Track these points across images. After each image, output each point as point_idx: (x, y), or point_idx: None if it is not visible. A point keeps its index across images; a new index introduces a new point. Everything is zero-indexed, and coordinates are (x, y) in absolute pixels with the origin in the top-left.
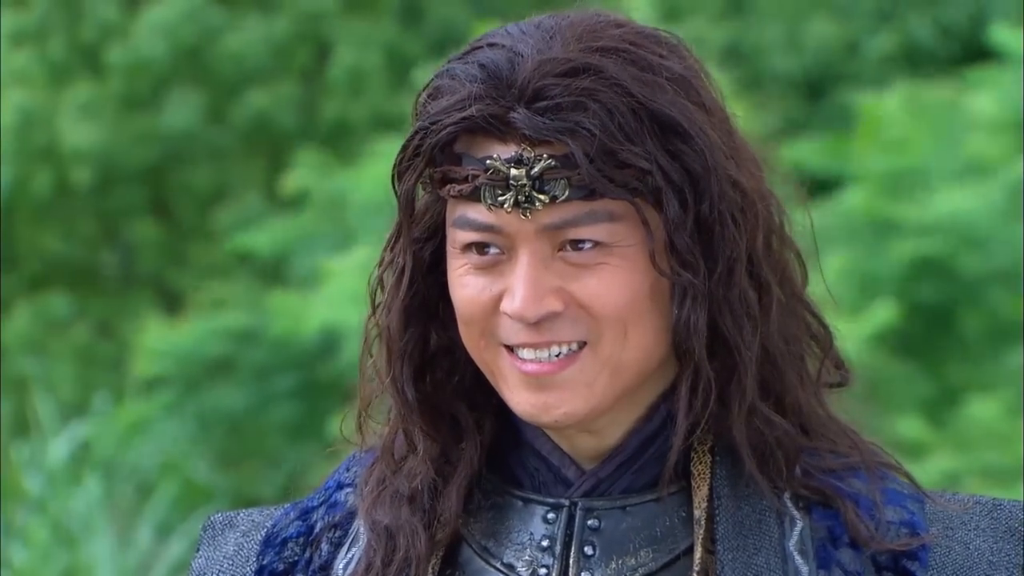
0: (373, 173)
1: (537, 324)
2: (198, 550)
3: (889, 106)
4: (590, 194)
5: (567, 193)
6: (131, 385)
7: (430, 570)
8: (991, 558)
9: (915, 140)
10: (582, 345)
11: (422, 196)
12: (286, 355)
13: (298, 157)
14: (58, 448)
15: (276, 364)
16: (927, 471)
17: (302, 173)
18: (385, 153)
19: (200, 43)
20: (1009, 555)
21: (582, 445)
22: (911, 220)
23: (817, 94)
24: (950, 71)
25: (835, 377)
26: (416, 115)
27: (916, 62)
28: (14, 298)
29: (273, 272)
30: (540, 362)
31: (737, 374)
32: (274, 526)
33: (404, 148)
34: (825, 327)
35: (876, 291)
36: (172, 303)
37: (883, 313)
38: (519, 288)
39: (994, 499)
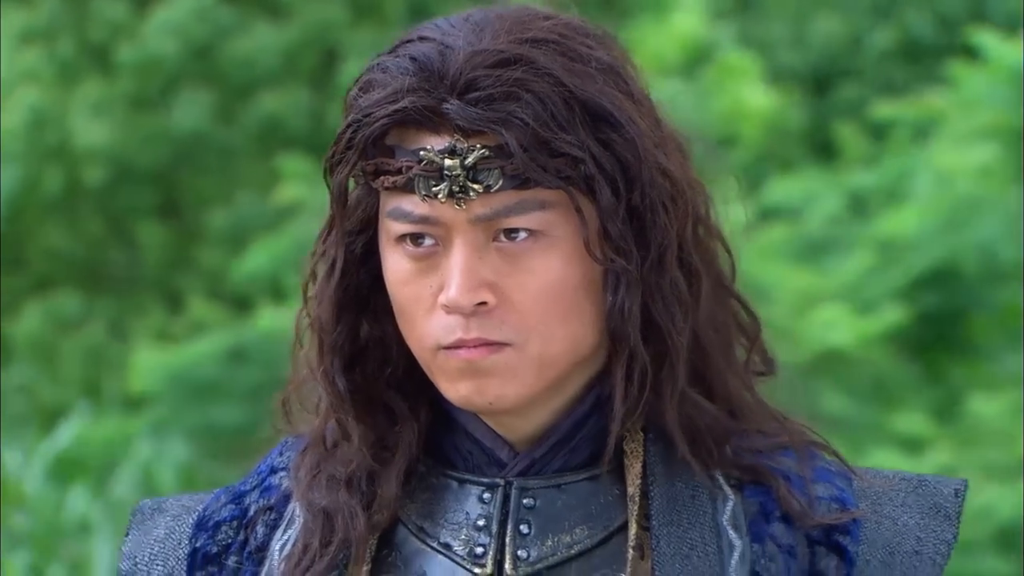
0: None
1: (469, 319)
2: (127, 534)
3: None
4: (524, 183)
5: (501, 183)
6: (125, 397)
7: (367, 551)
8: (919, 534)
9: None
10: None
11: (354, 189)
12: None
13: (287, 166)
14: (49, 449)
15: (270, 382)
16: (928, 467)
17: (294, 182)
18: None
19: (210, 43)
20: (936, 531)
21: (515, 427)
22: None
23: (823, 90)
24: (948, 66)
25: (761, 366)
26: (347, 109)
27: (917, 57)
28: (22, 298)
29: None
30: (470, 348)
31: (668, 360)
32: (205, 510)
33: (336, 142)
34: (753, 316)
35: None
36: (178, 305)
37: (893, 314)
38: (454, 277)
39: (919, 475)
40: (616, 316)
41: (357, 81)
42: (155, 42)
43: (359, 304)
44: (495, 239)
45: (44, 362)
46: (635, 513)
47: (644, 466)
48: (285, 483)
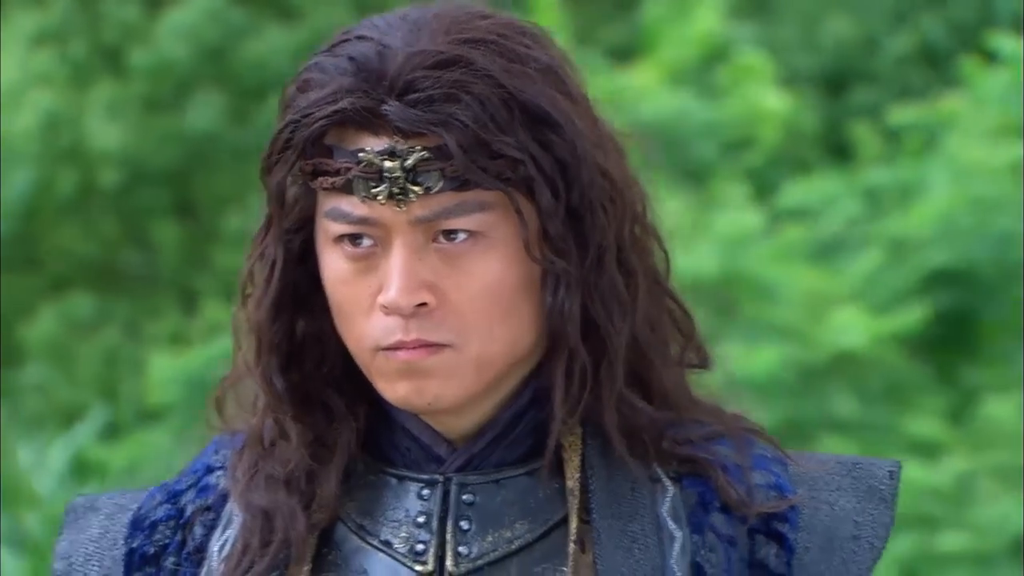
0: None
1: (408, 321)
2: (61, 533)
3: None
4: (463, 185)
5: (441, 184)
6: (141, 408)
7: (307, 551)
8: (856, 518)
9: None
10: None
11: (291, 188)
12: None
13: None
14: (60, 452)
15: None
16: (943, 472)
17: None
18: None
19: (222, 44)
20: (873, 515)
21: (453, 424)
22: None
23: (837, 92)
24: (962, 67)
25: (696, 360)
26: (284, 107)
27: (932, 62)
28: (38, 300)
29: None
30: (410, 349)
31: (607, 359)
32: (140, 509)
33: (273, 141)
34: (686, 313)
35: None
36: (193, 306)
37: (909, 315)
38: (394, 278)
39: (853, 458)
40: (556, 316)
41: (294, 79)
42: (167, 44)
43: (297, 303)
44: (434, 240)
45: (59, 363)
46: (575, 507)
47: (583, 460)
48: (222, 483)
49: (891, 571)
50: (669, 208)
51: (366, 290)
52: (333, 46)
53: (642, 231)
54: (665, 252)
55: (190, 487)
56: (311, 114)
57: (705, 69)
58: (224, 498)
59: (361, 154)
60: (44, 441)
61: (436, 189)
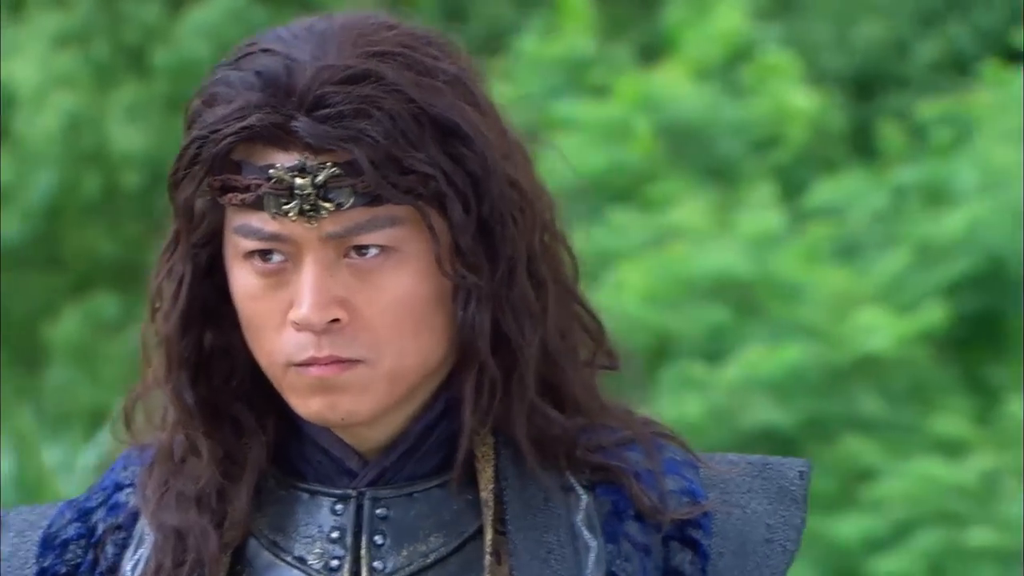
0: None
1: (321, 337)
2: None
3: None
4: (375, 200)
5: (352, 200)
6: None
7: (220, 569)
8: (768, 520)
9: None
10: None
11: (199, 202)
12: None
13: None
14: (88, 454)
15: None
16: (968, 471)
17: None
18: None
19: None
20: (784, 516)
21: (364, 437)
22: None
23: (865, 94)
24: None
25: (606, 362)
26: (189, 122)
27: (960, 66)
28: (61, 301)
29: None
30: (322, 365)
31: (518, 371)
32: (50, 527)
33: (180, 157)
34: (595, 317)
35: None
36: None
37: (934, 316)
38: (306, 295)
39: (764, 458)
40: (467, 330)
41: (199, 93)
42: (189, 44)
43: (205, 316)
44: (346, 255)
45: (83, 364)
46: (490, 518)
47: (496, 470)
48: (132, 500)
49: (919, 567)
50: (695, 207)
51: (277, 306)
52: (238, 59)
53: (551, 238)
54: (573, 257)
55: (100, 505)
56: (219, 130)
57: (730, 68)
58: (135, 516)
59: (271, 170)
60: (69, 442)
61: (347, 205)
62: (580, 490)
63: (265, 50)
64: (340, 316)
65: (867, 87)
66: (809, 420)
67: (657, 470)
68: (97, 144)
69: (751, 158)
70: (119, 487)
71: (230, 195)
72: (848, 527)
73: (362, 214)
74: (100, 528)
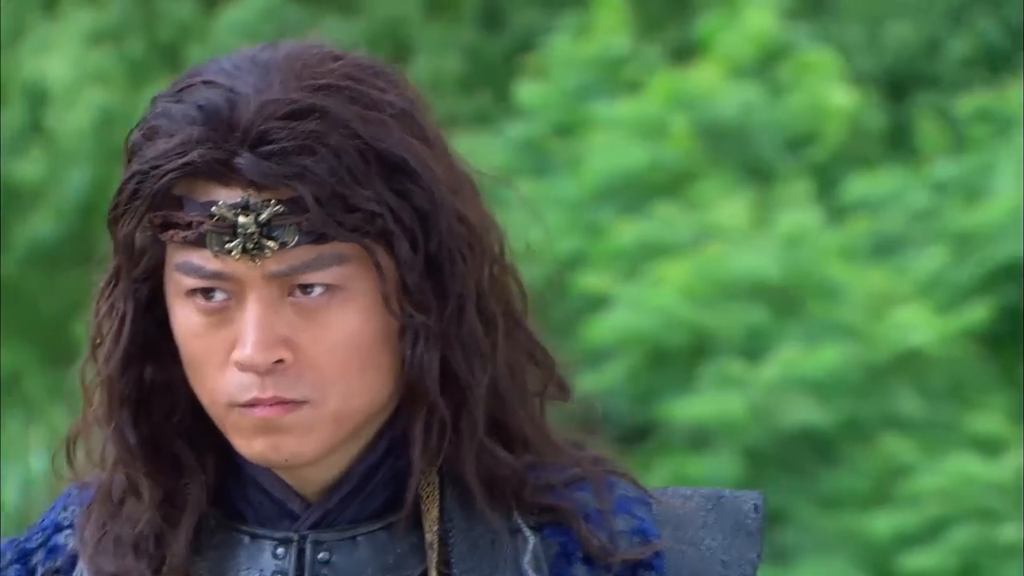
0: None
1: (264, 378)
2: None
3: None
4: (320, 238)
5: (296, 238)
6: None
7: None
8: (723, 557)
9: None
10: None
11: (140, 237)
12: None
13: None
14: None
15: None
16: (1005, 469)
17: None
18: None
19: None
20: (741, 551)
21: (307, 478)
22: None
23: (899, 93)
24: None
25: (557, 394)
26: (129, 155)
27: (993, 62)
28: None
29: None
30: (266, 407)
31: (467, 410)
32: None
33: (119, 192)
34: (545, 350)
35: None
36: None
37: (974, 313)
38: (249, 335)
39: (717, 491)
40: (415, 370)
41: (139, 125)
42: (224, 42)
43: (146, 352)
44: (290, 294)
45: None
46: (435, 560)
47: (441, 511)
48: (71, 543)
49: (951, 563)
50: (734, 206)
51: (220, 344)
52: (180, 91)
53: (501, 271)
54: (523, 289)
55: (40, 546)
56: (159, 166)
57: (764, 68)
58: (74, 559)
59: (213, 208)
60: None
61: (292, 243)
62: (527, 531)
63: (207, 82)
64: (284, 356)
65: (899, 86)
66: (847, 419)
67: (607, 509)
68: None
69: (788, 157)
70: (59, 528)
71: (171, 232)
72: (883, 523)
73: (307, 252)
74: (39, 571)
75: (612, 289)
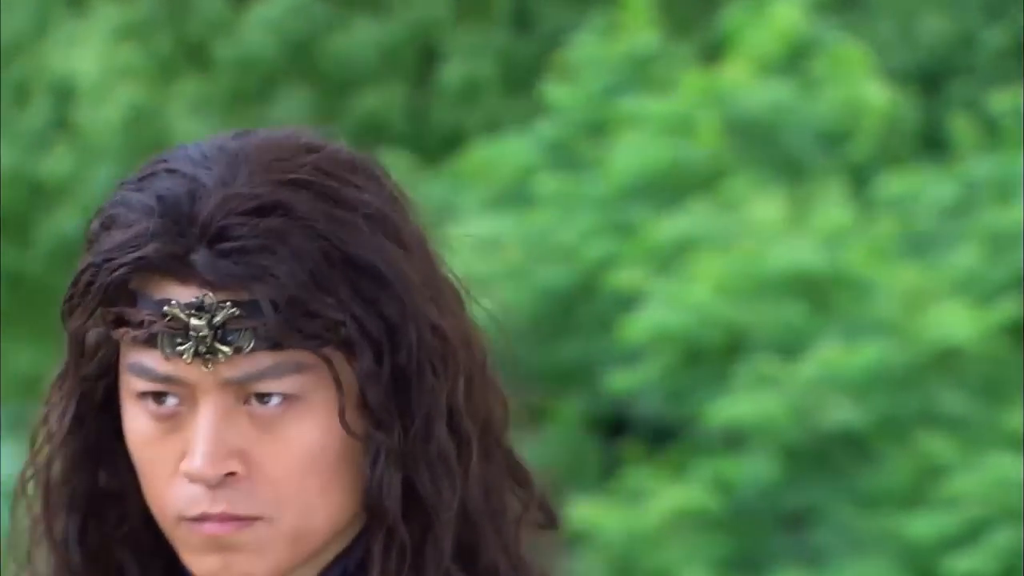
0: (482, 168)
1: (215, 491)
2: None
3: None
4: (278, 345)
5: (253, 344)
6: None
7: None
8: None
9: None
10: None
11: (93, 333)
12: None
13: (387, 161)
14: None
15: None
16: None
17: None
18: (490, 155)
19: (308, 39)
20: None
21: None
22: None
23: (932, 88)
24: None
25: (542, 520)
26: (87, 244)
27: None
28: None
29: None
30: (216, 522)
31: (433, 535)
32: None
33: (74, 283)
34: (527, 472)
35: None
36: None
37: (1011, 309)
38: (199, 445)
39: None
40: (375, 491)
41: (98, 213)
42: (253, 39)
43: (98, 456)
44: (246, 402)
45: None
46: None
47: None
48: None
49: (993, 567)
50: (767, 202)
51: (170, 453)
52: (142, 178)
53: (481, 385)
54: (506, 404)
55: None
56: (113, 258)
57: (793, 64)
58: None
59: (166, 307)
60: None
61: (247, 349)
62: None
63: (170, 170)
64: (237, 469)
65: (932, 81)
66: (884, 418)
67: None
68: (158, 137)
69: (820, 154)
70: None
71: (123, 329)
72: (922, 525)
73: (264, 359)
74: None
75: (645, 287)
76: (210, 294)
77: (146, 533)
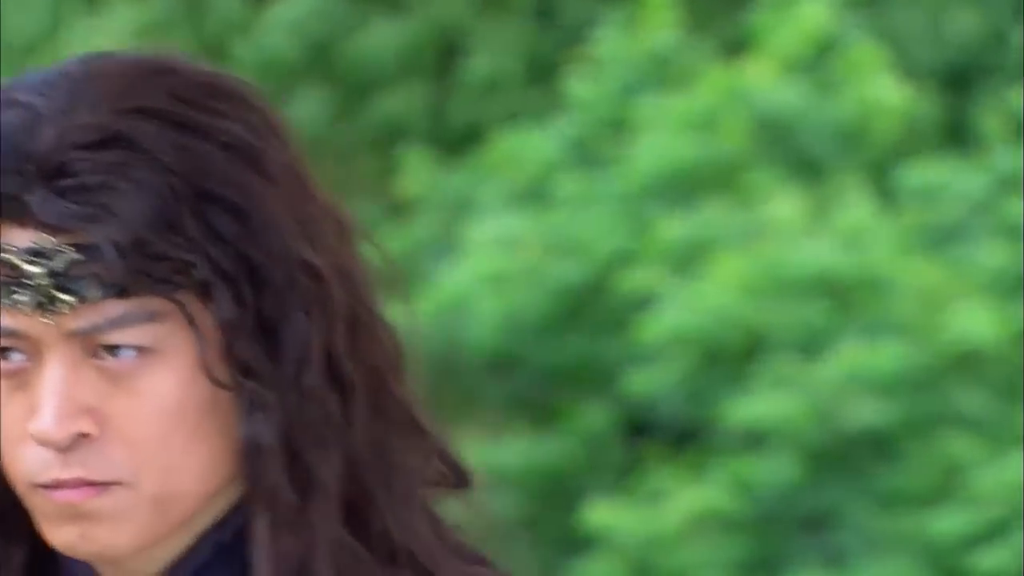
0: (505, 160)
1: (67, 454)
2: None
3: None
4: (124, 292)
5: (98, 292)
6: None
7: None
8: None
9: None
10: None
11: None
12: None
13: (408, 160)
14: None
15: None
16: None
17: (415, 176)
18: (515, 145)
19: (328, 39)
20: None
21: (132, 570)
22: None
23: (959, 86)
24: None
25: (451, 479)
26: None
27: None
28: None
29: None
30: (70, 489)
31: (316, 499)
32: None
33: None
34: (427, 424)
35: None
36: None
37: None
38: (45, 404)
39: None
40: (251, 451)
41: None
42: (272, 39)
43: None
44: (95, 355)
45: None
46: None
47: None
48: None
49: (1017, 566)
50: (788, 201)
51: (20, 413)
52: None
53: (367, 328)
54: (398, 346)
55: None
56: None
57: (817, 63)
58: None
59: (3, 255)
60: None
61: (92, 298)
62: None
63: (12, 102)
64: (88, 429)
65: (960, 79)
66: (906, 418)
67: None
68: None
69: (840, 153)
70: None
71: None
72: (944, 524)
73: (112, 308)
74: None
75: (662, 286)
76: (49, 238)
77: (10, 508)
